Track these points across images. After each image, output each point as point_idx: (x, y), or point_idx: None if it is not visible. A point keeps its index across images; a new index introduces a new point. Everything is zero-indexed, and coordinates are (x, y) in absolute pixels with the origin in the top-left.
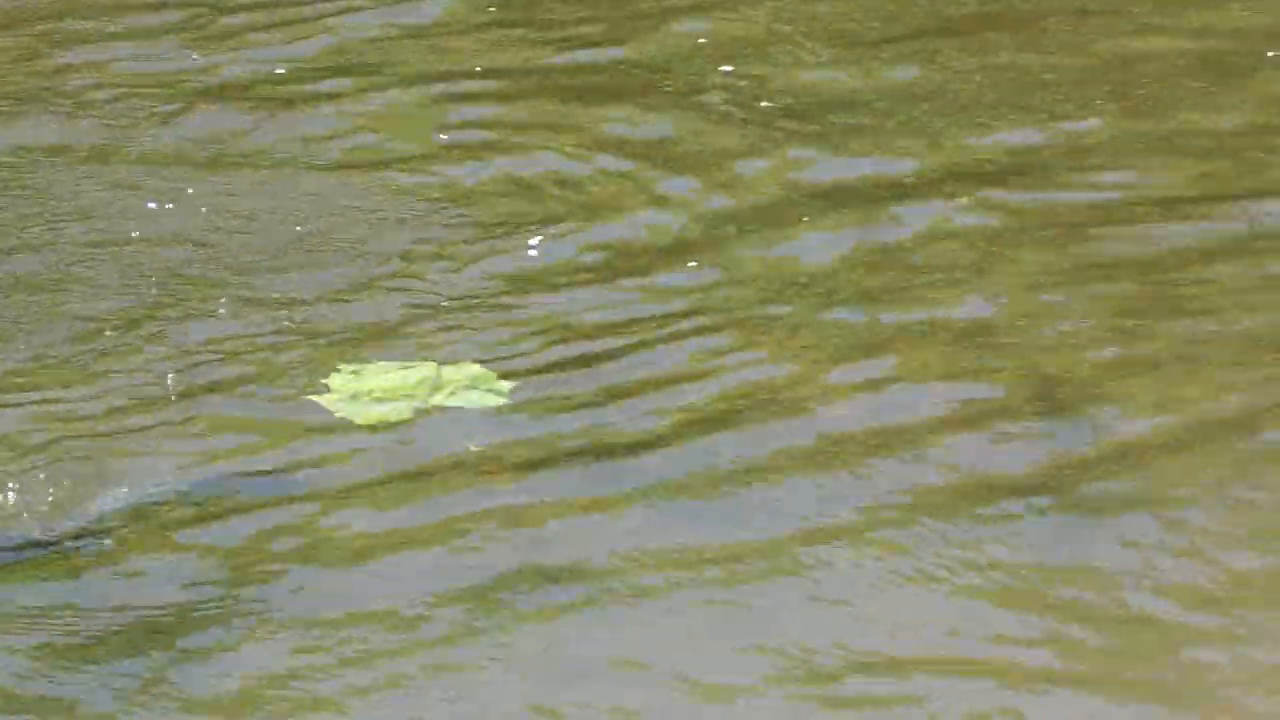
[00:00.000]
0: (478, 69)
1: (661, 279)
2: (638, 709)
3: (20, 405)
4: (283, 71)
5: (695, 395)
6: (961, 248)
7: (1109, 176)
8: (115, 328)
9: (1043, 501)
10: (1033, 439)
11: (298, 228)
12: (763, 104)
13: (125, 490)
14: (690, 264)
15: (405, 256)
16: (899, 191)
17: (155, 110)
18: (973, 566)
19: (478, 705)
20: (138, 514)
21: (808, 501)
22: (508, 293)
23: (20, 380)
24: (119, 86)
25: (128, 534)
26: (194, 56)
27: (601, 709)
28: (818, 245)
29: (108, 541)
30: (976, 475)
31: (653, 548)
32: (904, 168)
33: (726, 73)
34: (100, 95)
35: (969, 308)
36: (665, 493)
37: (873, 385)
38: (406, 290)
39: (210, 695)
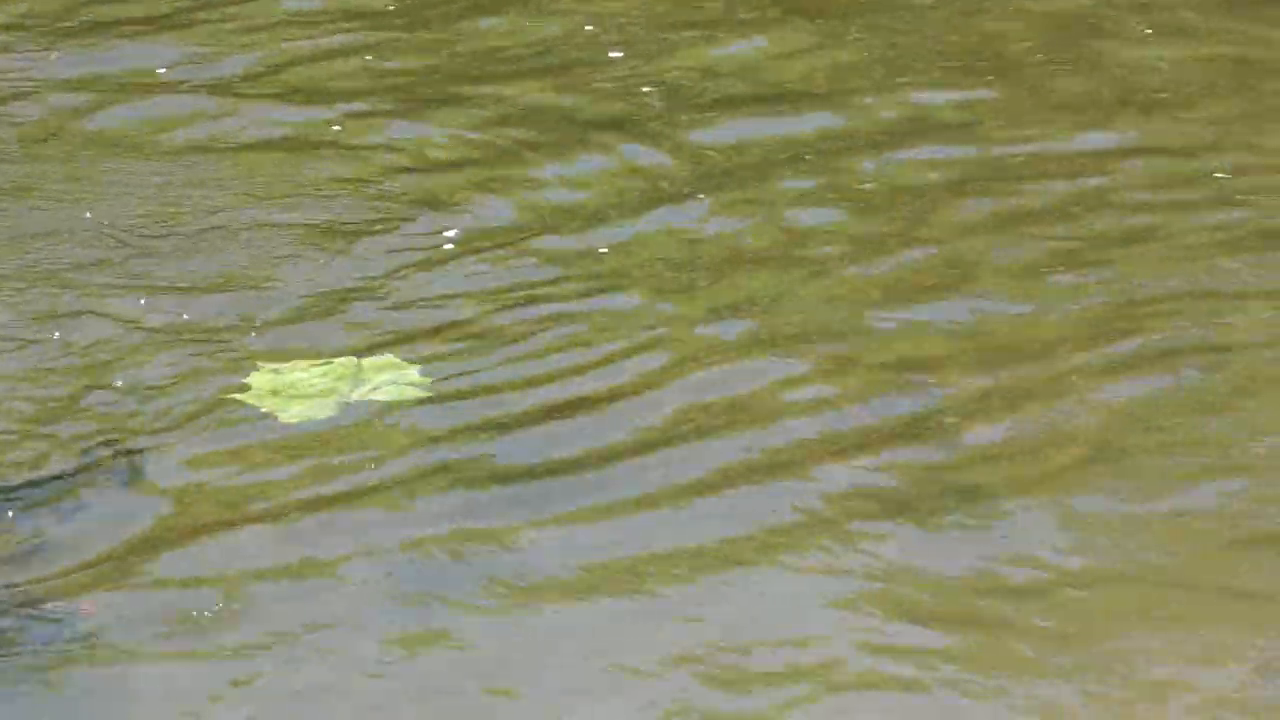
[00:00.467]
0: (370, 58)
1: (575, 266)
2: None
3: None
4: (163, 71)
5: (599, 383)
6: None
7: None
8: (23, 325)
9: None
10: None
11: (207, 223)
12: (647, 86)
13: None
14: (602, 249)
15: (317, 250)
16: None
17: (39, 102)
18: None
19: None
20: (55, 515)
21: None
22: (423, 284)
23: None
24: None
25: (47, 532)
26: (76, 52)
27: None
28: (718, 231)
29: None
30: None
31: (569, 548)
32: (803, 135)
33: (617, 55)
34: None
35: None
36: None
37: (743, 399)
38: (321, 285)
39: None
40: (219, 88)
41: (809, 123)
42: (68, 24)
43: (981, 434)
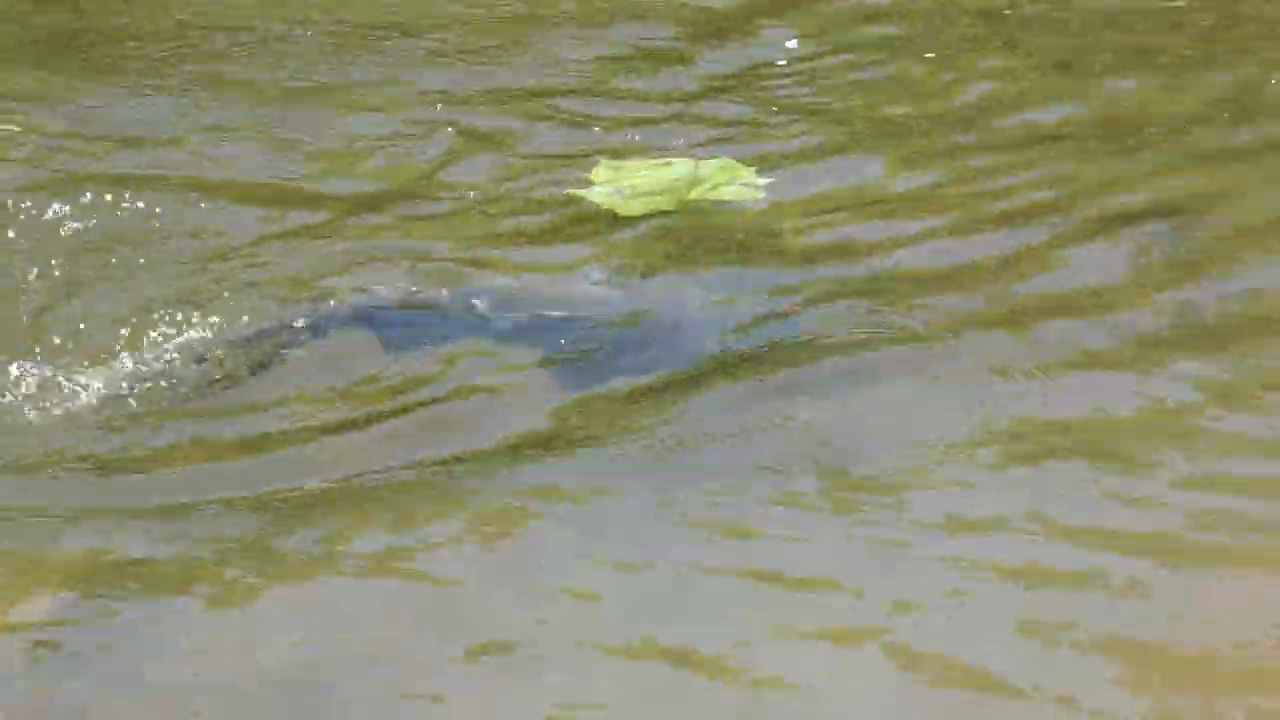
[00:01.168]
0: None
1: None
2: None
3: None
4: None
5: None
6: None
7: None
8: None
9: None
10: None
11: (537, 30)
12: None
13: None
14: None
15: (648, 58)
16: None
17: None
18: None
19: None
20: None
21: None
22: (759, 89)
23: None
24: None
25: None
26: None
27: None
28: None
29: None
30: None
31: None
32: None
33: None
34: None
35: None
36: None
37: None
38: (656, 89)
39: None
40: None
41: None
42: None
43: None
